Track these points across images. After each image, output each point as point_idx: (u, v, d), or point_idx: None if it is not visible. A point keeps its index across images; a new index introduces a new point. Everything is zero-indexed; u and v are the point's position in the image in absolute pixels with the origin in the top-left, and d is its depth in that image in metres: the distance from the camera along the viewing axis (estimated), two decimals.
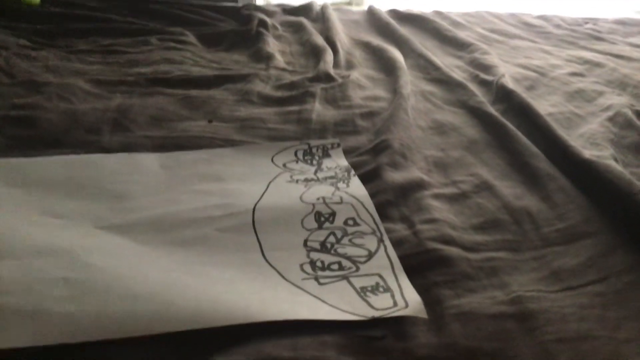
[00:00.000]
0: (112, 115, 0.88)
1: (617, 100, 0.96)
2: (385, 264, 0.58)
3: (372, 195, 0.69)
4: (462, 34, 1.32)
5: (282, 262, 0.58)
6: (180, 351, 0.48)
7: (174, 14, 1.38)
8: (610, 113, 0.92)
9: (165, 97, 0.95)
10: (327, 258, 0.59)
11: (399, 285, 0.55)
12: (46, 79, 0.99)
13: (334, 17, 1.39)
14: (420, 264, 0.58)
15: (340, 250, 0.60)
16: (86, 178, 0.72)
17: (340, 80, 1.03)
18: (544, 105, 0.95)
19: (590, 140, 0.83)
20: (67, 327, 0.49)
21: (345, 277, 0.56)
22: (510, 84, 0.97)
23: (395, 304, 0.52)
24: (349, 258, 0.59)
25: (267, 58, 1.14)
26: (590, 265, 0.58)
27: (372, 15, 1.47)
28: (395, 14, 1.49)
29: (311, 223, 0.64)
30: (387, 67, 1.11)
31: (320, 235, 0.62)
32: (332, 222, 0.64)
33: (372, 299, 0.53)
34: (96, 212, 0.66)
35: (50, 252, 0.58)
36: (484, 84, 1.02)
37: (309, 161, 0.78)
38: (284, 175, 0.74)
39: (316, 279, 0.56)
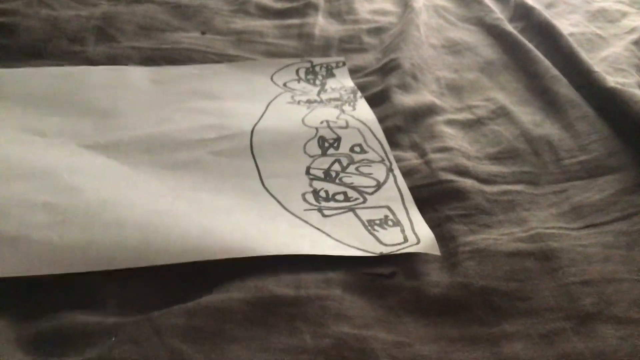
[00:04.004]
0: (97, 24, 0.81)
1: None
2: (394, 195, 0.53)
3: (380, 120, 0.64)
4: None
5: (282, 190, 0.53)
6: (172, 286, 0.44)
7: None
8: (635, 36, 0.85)
9: (155, 4, 0.87)
10: (332, 187, 0.54)
11: (410, 219, 0.51)
12: None
13: None
14: (432, 196, 0.54)
15: (345, 180, 0.55)
16: (70, 92, 0.67)
17: None
18: (564, 25, 0.88)
19: (613, 65, 0.77)
20: (49, 256, 0.45)
21: (351, 209, 0.52)
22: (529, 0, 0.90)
23: (405, 239, 0.48)
24: (355, 188, 0.54)
25: None
26: (615, 202, 0.54)
27: None
28: None
29: (314, 149, 0.59)
30: None
31: (324, 162, 0.57)
32: (337, 149, 0.59)
33: (381, 233, 0.49)
34: (80, 130, 0.61)
35: (31, 173, 0.53)
36: None
37: (311, 81, 0.72)
38: (284, 96, 0.68)
39: (320, 210, 0.51)
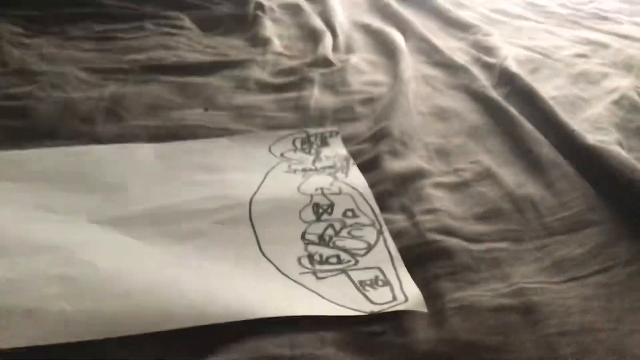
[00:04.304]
0: (106, 104, 0.86)
1: (623, 83, 0.94)
2: (384, 256, 0.57)
3: (372, 185, 0.68)
4: (465, 15, 1.29)
5: (279, 256, 0.57)
6: (176, 350, 0.47)
7: None
8: (615, 96, 0.90)
9: (160, 84, 0.93)
10: (326, 251, 0.58)
11: (399, 279, 0.54)
12: (40, 67, 0.97)
13: None
14: (420, 256, 0.57)
15: (338, 243, 0.59)
16: (80, 171, 0.71)
17: (339, 64, 1.01)
18: (548, 88, 0.92)
19: (595, 124, 0.81)
20: (62, 326, 0.48)
21: (343, 271, 0.55)
22: (513, 66, 0.95)
23: (394, 298, 0.51)
24: (347, 251, 0.58)
25: (265, 43, 1.12)
26: (595, 256, 0.57)
27: None
28: None
29: (309, 215, 0.63)
30: (387, 50, 1.08)
31: (319, 227, 0.61)
32: (330, 214, 0.63)
33: (371, 293, 0.52)
34: (91, 206, 0.65)
35: (45, 248, 0.57)
36: (486, 67, 0.99)
37: (307, 150, 0.76)
38: (281, 165, 0.73)
39: (314, 273, 0.55)
